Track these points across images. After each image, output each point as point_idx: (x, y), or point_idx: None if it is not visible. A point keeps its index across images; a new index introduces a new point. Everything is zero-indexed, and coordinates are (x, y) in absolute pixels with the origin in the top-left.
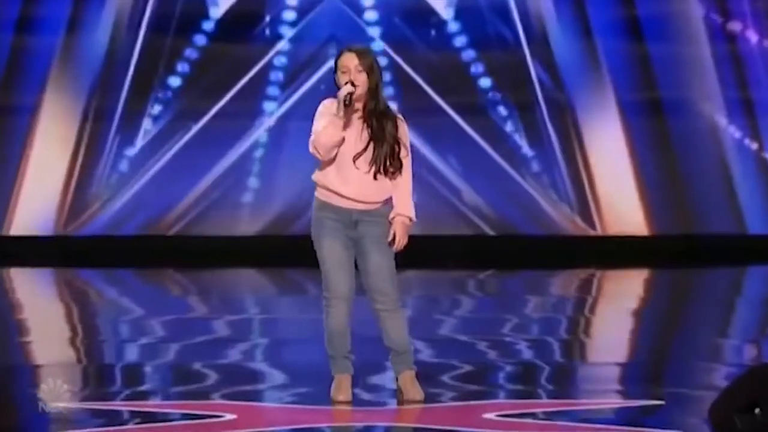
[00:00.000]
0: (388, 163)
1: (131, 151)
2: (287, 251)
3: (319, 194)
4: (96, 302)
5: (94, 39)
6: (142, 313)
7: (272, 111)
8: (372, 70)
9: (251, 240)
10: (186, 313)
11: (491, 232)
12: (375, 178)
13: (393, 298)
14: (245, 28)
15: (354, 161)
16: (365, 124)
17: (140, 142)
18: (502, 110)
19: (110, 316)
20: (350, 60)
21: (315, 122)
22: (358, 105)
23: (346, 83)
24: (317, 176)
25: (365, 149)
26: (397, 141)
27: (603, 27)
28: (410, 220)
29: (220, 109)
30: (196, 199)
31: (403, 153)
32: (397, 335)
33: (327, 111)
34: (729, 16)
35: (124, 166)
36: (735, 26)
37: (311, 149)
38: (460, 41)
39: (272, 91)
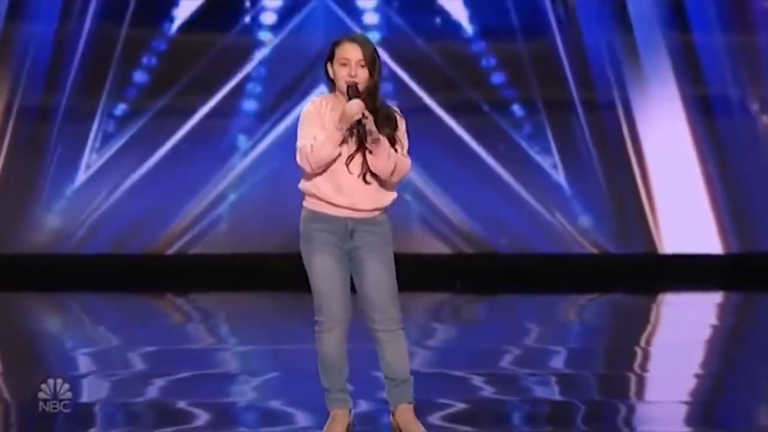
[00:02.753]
0: None
1: (80, 160)
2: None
3: (308, 204)
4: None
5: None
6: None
7: (252, 111)
8: (375, 65)
9: (228, 258)
10: (163, 343)
11: (526, 251)
12: (366, 180)
13: (394, 317)
14: (223, 16)
15: (347, 165)
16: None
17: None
18: (518, 110)
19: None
20: (353, 51)
21: (303, 127)
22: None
23: (348, 88)
24: (305, 184)
25: (357, 150)
26: (393, 138)
27: (642, 13)
28: (386, 145)
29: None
30: (157, 214)
31: (398, 148)
32: (397, 362)
33: (318, 114)
34: None
35: (72, 174)
36: None
37: (300, 160)
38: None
39: (253, 87)
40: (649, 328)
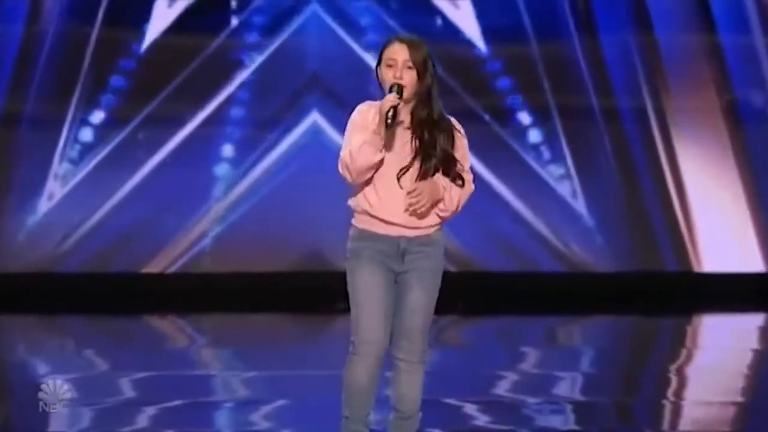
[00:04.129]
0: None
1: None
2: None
3: (357, 222)
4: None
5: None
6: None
7: (241, 119)
8: (426, 67)
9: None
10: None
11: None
12: None
13: (420, 348)
14: (207, 16)
15: (398, 179)
16: (413, 135)
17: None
18: (526, 117)
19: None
20: (400, 52)
21: (348, 136)
22: (403, 115)
23: (392, 87)
24: (354, 200)
25: (411, 164)
26: (451, 156)
27: (663, 14)
28: (442, 198)
29: (157, 113)
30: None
31: (460, 168)
32: (410, 395)
33: (363, 122)
34: None
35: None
36: None
37: (341, 170)
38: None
39: (241, 94)
40: (683, 351)
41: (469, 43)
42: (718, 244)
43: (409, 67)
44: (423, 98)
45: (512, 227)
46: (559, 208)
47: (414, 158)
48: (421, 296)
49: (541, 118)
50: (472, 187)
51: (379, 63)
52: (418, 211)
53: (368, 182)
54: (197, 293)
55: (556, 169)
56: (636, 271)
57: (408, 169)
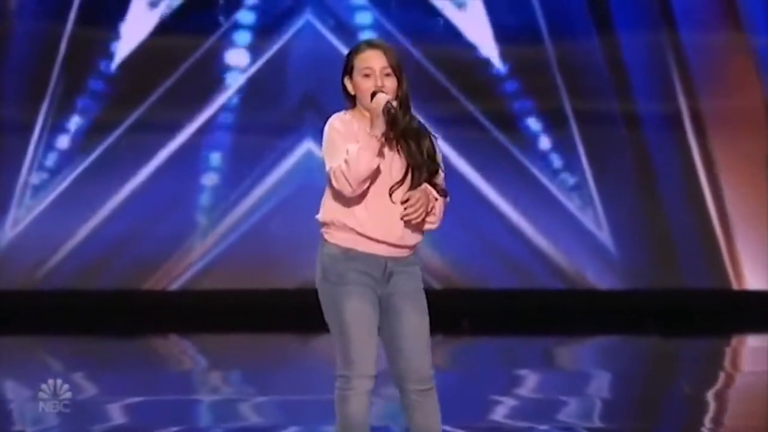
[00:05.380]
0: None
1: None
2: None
3: (339, 240)
4: None
5: None
6: None
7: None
8: (402, 72)
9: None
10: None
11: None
12: None
13: (428, 375)
14: (193, 14)
15: (390, 194)
16: (399, 146)
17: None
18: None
19: None
20: (376, 59)
21: (334, 147)
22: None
23: (375, 93)
24: (335, 215)
25: (404, 178)
26: (437, 163)
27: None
28: (433, 206)
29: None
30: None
31: (441, 176)
32: (430, 424)
33: (349, 131)
34: None
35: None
36: None
37: (337, 184)
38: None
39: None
40: (720, 374)
41: (473, 46)
42: (763, 260)
43: (388, 74)
44: (403, 105)
45: (534, 243)
46: (571, 221)
47: (406, 171)
48: (417, 320)
49: (553, 124)
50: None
51: (347, 73)
52: (413, 222)
53: (357, 197)
54: (194, 311)
55: (568, 178)
56: (660, 290)
57: (401, 184)
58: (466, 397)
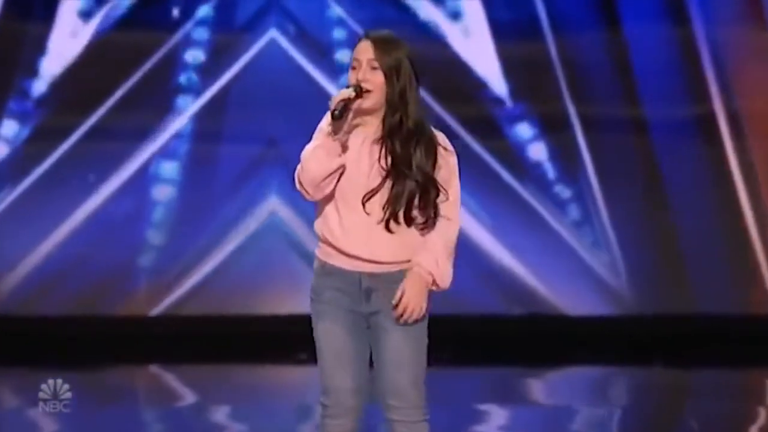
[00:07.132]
0: (410, 207)
1: None
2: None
3: (320, 252)
4: None
5: None
6: None
7: (180, 131)
8: (397, 69)
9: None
10: None
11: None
12: (388, 227)
13: (416, 404)
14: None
15: (363, 204)
16: (383, 150)
17: None
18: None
19: None
20: (364, 50)
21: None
22: (374, 120)
23: (349, 87)
24: (318, 225)
25: (381, 186)
26: (430, 177)
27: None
28: (432, 279)
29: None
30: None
31: (441, 197)
32: None
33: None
34: None
35: None
36: None
37: (297, 184)
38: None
39: (180, 101)
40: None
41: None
42: None
43: (374, 68)
44: (394, 104)
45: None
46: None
47: (385, 179)
48: (401, 342)
49: (550, 128)
50: (458, 224)
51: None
52: (410, 321)
53: (331, 204)
54: (175, 339)
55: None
56: (676, 315)
57: (376, 192)
58: None
